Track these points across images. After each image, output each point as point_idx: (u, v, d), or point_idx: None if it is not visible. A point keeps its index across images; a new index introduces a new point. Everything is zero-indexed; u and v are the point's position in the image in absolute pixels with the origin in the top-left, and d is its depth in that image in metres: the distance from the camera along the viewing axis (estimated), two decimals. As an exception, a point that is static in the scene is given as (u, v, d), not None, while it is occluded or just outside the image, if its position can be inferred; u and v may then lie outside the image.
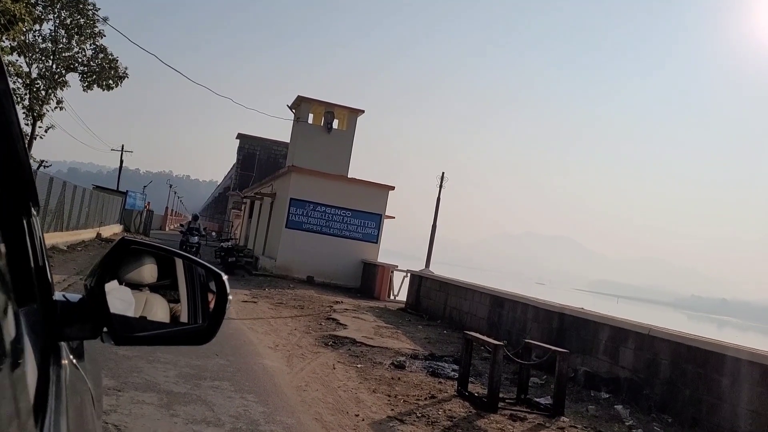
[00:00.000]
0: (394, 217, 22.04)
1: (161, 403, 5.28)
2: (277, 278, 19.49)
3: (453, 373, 8.64)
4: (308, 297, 15.71)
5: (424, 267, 19.28)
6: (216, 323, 1.43)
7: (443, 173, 20.98)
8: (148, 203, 42.66)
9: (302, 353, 8.76)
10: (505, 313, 12.15)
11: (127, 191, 39.03)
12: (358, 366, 8.45)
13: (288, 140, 25.22)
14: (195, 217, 21.81)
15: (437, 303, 15.05)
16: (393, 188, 21.77)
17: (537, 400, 7.69)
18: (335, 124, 22.05)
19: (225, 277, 1.47)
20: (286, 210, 20.95)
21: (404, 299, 18.87)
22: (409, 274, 17.45)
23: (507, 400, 7.48)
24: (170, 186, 73.60)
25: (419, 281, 16.25)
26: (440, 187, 20.98)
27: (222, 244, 22.94)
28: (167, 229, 56.99)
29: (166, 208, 66.08)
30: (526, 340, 8.49)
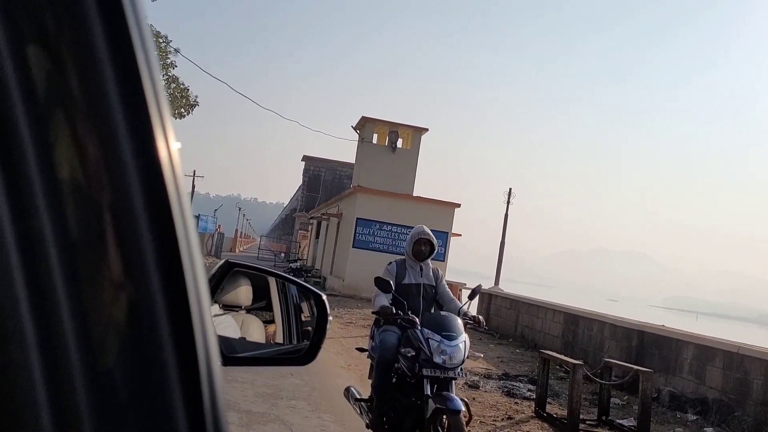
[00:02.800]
0: (460, 235, 21.87)
1: (241, 422, 5.37)
2: (345, 298, 19.64)
3: (529, 393, 8.43)
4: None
5: (493, 285, 18.95)
6: (317, 343, 1.45)
7: (510, 189, 20.62)
8: (219, 226, 43.97)
9: (375, 373, 8.74)
10: (580, 331, 11.80)
11: (198, 215, 40.34)
12: (432, 386, 8.36)
13: (352, 161, 25.56)
14: None
15: (508, 321, 14.77)
16: (459, 205, 21.61)
17: (620, 421, 7.40)
18: (399, 143, 22.16)
19: (324, 297, 1.47)
20: (353, 230, 21.14)
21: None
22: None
23: (588, 422, 7.23)
24: (239, 209, 75.71)
25: (489, 299, 16.01)
26: (508, 203, 20.62)
27: (290, 264, 23.36)
28: (237, 251, 58.53)
29: (236, 230, 67.98)
30: (606, 359, 8.20)
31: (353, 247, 21.05)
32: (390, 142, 21.94)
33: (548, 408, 7.52)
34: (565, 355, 11.65)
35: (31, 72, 0.37)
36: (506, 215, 20.39)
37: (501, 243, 20.42)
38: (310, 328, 1.63)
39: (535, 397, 7.87)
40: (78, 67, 0.38)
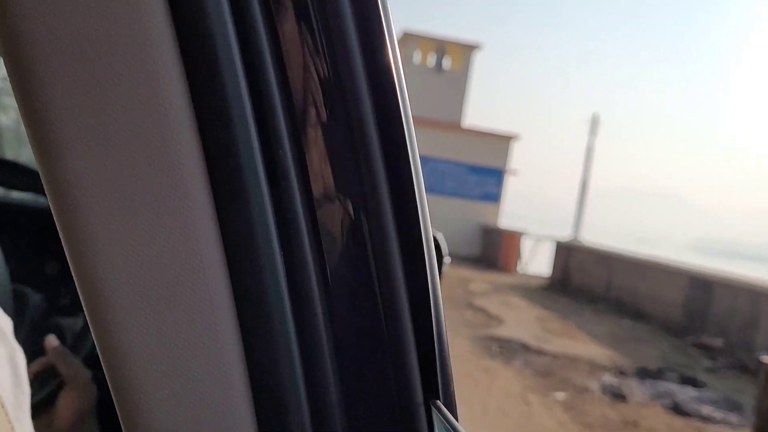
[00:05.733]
0: (517, 173, 18.78)
1: None
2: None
3: (702, 406, 5.59)
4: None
5: (571, 234, 15.85)
6: None
7: (595, 115, 16.96)
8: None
9: (468, 371, 5.92)
10: (716, 300, 8.85)
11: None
12: (558, 395, 5.53)
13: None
14: None
15: (596, 280, 11.84)
16: (516, 138, 18.44)
17: None
18: (447, 63, 18.77)
19: (440, 236, 1.12)
20: (392, 166, 18.09)
21: (537, 271, 15.82)
22: (550, 243, 14.24)
23: None
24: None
25: (567, 252, 13.03)
26: (591, 132, 17.00)
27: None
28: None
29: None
30: None
31: (393, 186, 18.06)
32: (436, 63, 18.57)
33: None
34: (690, 332, 8.80)
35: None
36: (589, 148, 16.88)
37: (582, 183, 16.97)
38: None
39: (733, 422, 5.02)
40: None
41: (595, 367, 6.59)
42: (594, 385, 5.90)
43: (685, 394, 5.95)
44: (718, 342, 8.35)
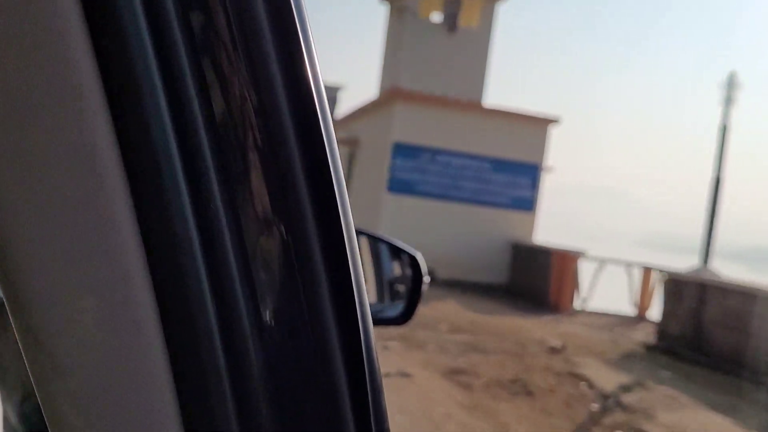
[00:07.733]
0: (552, 169, 14.01)
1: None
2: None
3: None
4: (479, 327, 7.88)
5: (700, 263, 11.01)
6: (412, 304, 1.29)
7: (731, 75, 11.81)
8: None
9: None
10: None
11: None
12: None
13: (378, 48, 16.97)
14: None
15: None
16: (556, 121, 13.62)
17: None
18: (461, 18, 13.73)
19: (419, 256, 1.25)
20: (387, 163, 13.01)
21: (601, 307, 11.12)
22: (661, 278, 9.37)
23: None
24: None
25: (700, 293, 8.13)
26: (726, 102, 11.75)
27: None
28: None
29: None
30: None
31: (389, 190, 12.96)
32: (446, 18, 13.53)
33: None
34: None
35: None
36: (724, 127, 11.78)
37: (715, 180, 11.84)
38: (400, 289, 1.50)
39: None
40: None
41: None
42: None
43: None
44: None
